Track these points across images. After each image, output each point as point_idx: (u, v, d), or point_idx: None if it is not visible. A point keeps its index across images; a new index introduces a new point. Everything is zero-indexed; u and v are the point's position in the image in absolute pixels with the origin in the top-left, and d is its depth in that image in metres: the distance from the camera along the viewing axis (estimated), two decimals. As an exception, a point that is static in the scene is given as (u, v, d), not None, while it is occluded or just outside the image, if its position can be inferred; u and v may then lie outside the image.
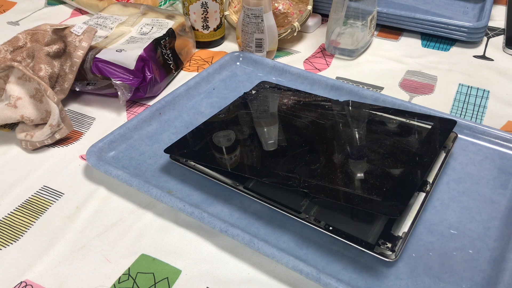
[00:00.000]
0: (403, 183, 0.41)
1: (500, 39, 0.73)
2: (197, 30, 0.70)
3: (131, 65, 0.57)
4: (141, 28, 0.65)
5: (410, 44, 0.72)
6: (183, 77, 0.66)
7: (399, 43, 0.73)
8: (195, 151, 0.48)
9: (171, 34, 0.64)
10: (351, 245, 0.39)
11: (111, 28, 0.65)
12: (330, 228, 0.39)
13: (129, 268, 0.40)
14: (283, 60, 0.69)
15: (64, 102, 0.60)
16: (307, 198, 0.42)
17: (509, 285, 0.36)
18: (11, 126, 0.57)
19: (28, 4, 0.87)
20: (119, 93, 0.56)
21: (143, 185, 0.45)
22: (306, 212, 0.41)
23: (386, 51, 0.71)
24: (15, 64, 0.51)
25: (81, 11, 0.84)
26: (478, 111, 0.58)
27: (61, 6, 0.86)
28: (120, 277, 0.39)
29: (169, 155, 0.49)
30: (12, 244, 0.42)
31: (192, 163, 0.47)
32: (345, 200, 0.39)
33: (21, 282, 0.39)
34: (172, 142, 0.50)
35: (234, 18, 0.74)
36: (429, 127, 0.49)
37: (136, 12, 0.69)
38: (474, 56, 0.69)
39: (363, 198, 0.39)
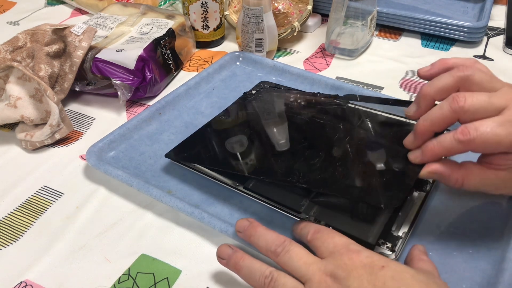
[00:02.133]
0: (402, 175, 0.41)
1: (500, 39, 0.73)
2: (197, 30, 0.70)
3: (131, 65, 0.57)
4: (141, 28, 0.65)
5: (410, 44, 0.72)
6: (183, 77, 0.66)
7: (399, 43, 0.73)
8: (196, 155, 0.48)
9: (171, 34, 0.64)
10: (351, 245, 0.38)
11: (111, 28, 0.65)
12: (330, 228, 0.39)
13: (129, 268, 0.40)
14: (283, 60, 0.69)
15: (64, 102, 0.60)
16: (307, 198, 0.42)
17: (509, 285, 0.35)
18: (11, 126, 0.57)
19: (28, 4, 0.87)
20: (119, 93, 0.56)
21: (143, 185, 0.45)
22: (306, 212, 0.41)
23: (386, 51, 0.71)
24: (15, 64, 0.51)
25: (81, 11, 0.84)
26: (478, 111, 0.58)
27: (61, 6, 0.86)
28: (120, 277, 0.39)
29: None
30: (12, 244, 0.42)
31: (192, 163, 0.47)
32: (343, 193, 0.40)
33: (21, 282, 0.39)
34: (172, 142, 0.50)
35: (234, 18, 0.74)
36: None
37: (136, 12, 0.69)
38: (474, 56, 0.69)
39: (361, 190, 0.39)
